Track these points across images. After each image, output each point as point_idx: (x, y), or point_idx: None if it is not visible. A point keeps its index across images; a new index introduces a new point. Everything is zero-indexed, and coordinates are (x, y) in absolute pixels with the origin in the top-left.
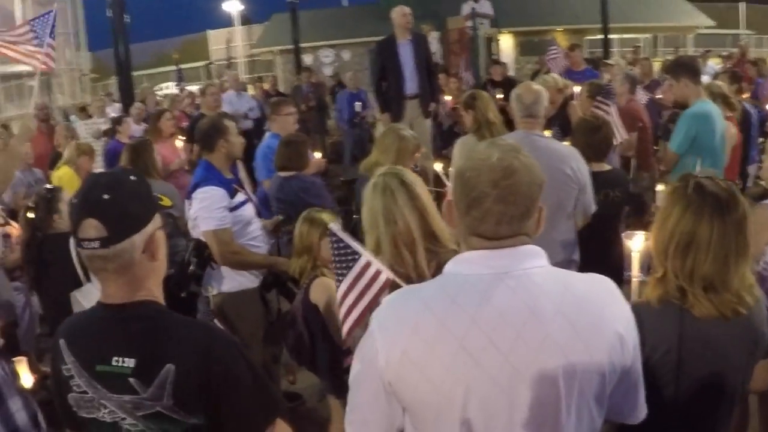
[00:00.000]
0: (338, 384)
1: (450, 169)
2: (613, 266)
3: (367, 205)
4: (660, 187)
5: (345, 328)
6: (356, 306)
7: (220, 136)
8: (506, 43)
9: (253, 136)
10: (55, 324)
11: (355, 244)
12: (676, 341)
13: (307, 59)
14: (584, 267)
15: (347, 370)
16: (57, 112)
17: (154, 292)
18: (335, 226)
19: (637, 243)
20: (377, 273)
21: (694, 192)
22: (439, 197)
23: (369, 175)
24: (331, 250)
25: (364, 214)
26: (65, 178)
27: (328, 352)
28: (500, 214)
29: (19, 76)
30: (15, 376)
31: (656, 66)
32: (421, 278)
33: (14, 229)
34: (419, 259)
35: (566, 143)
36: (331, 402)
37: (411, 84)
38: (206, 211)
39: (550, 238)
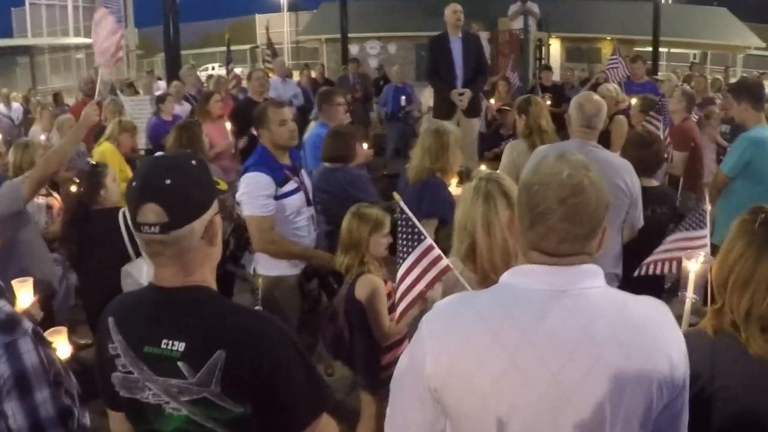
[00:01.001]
0: (374, 380)
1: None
2: (653, 282)
3: (463, 209)
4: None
5: (399, 308)
6: (414, 287)
7: (262, 125)
8: (553, 48)
9: (297, 123)
10: (100, 301)
11: (420, 225)
12: (726, 375)
13: (353, 50)
14: (625, 281)
15: (384, 367)
16: (103, 87)
17: (208, 277)
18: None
19: (694, 264)
20: (438, 257)
21: (761, 227)
22: None
23: (419, 180)
24: (398, 227)
25: (458, 216)
26: (106, 154)
27: (367, 349)
28: (564, 232)
29: (66, 48)
30: (51, 363)
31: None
32: None
33: (56, 200)
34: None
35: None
36: (363, 397)
37: (460, 82)
38: (249, 196)
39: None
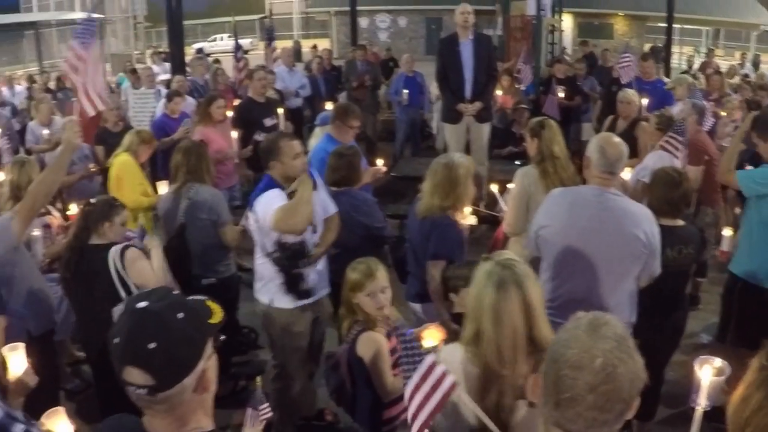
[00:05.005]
0: None
1: (508, 186)
2: (675, 325)
3: (475, 293)
4: (726, 232)
5: (414, 429)
6: (423, 409)
7: (273, 158)
8: (565, 25)
9: (302, 114)
10: (94, 331)
11: (420, 344)
12: None
13: (363, 23)
14: (646, 323)
15: (387, 422)
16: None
17: (202, 422)
18: (403, 326)
19: (706, 375)
20: (442, 376)
21: None
22: (492, 221)
23: (429, 217)
24: (401, 346)
25: (469, 298)
26: (126, 166)
27: (370, 403)
28: (592, 419)
29: (72, 22)
30: None
31: (716, 60)
32: (516, 376)
33: (54, 218)
34: (520, 360)
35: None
36: None
37: (469, 87)
38: (272, 206)
39: (612, 301)
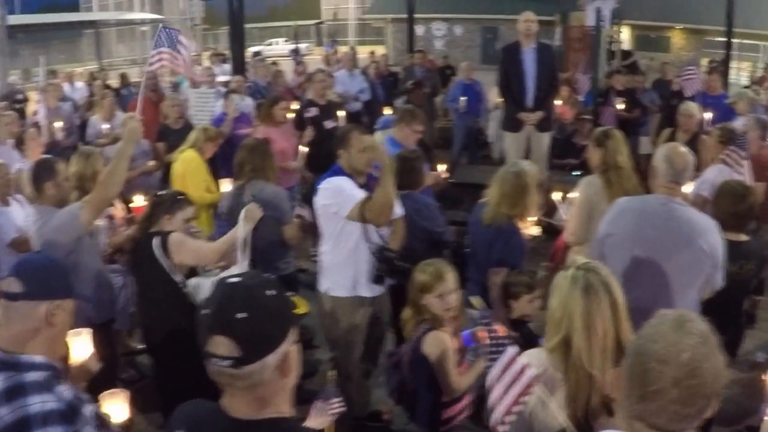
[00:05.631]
0: None
1: (569, 195)
2: (730, 341)
3: (560, 300)
4: None
5: (494, 417)
6: (503, 399)
7: (342, 147)
8: (623, 37)
9: (360, 118)
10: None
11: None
12: None
13: (419, 30)
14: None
15: (445, 422)
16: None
17: (283, 407)
18: (486, 317)
19: None
20: (523, 369)
21: None
22: (551, 230)
23: (494, 225)
24: (488, 337)
25: (553, 306)
26: (191, 163)
27: (430, 402)
28: (675, 413)
29: (132, 22)
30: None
31: None
32: (604, 382)
33: (117, 210)
34: (607, 364)
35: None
36: None
37: (531, 96)
38: (340, 195)
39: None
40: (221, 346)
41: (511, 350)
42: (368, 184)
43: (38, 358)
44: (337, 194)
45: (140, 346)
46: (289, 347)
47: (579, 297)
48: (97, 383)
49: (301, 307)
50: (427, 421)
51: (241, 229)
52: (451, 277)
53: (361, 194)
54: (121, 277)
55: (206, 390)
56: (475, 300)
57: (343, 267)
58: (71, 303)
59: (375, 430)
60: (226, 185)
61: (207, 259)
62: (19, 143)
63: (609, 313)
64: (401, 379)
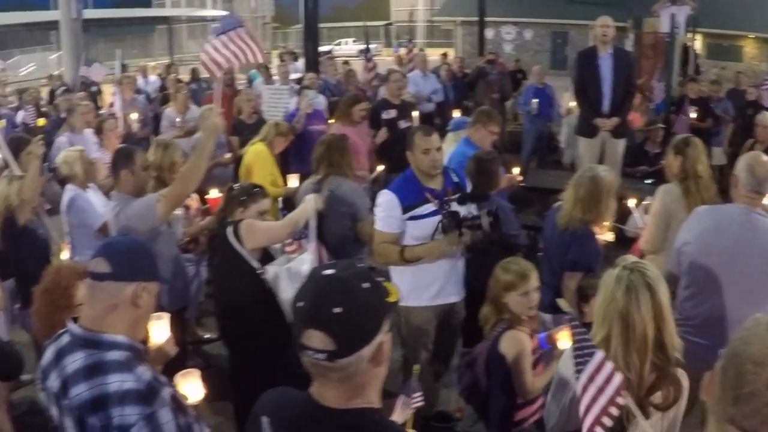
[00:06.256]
0: None
1: (643, 203)
2: None
3: (605, 297)
4: None
5: (585, 427)
6: (593, 406)
7: (408, 148)
8: (696, 45)
9: (433, 120)
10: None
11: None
12: None
13: (488, 33)
14: None
15: (517, 423)
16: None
17: (373, 397)
18: (573, 318)
19: None
20: (611, 374)
21: None
22: (625, 238)
23: (569, 229)
24: (573, 338)
25: (598, 303)
26: (259, 155)
27: (503, 403)
28: None
29: (204, 19)
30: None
31: None
32: (641, 383)
33: (192, 201)
34: (645, 366)
35: None
36: None
37: (607, 102)
38: (378, 211)
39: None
40: (316, 339)
41: (599, 354)
42: (446, 189)
43: (120, 338)
44: (378, 209)
45: (207, 336)
46: (384, 337)
47: (620, 296)
48: (166, 370)
49: (393, 294)
50: (499, 422)
51: (311, 213)
52: (534, 276)
53: (386, 225)
54: (193, 267)
55: (283, 377)
56: (562, 302)
57: (410, 276)
58: (156, 286)
59: (441, 431)
60: (294, 181)
61: (279, 237)
62: (98, 132)
63: (650, 314)
64: (474, 378)
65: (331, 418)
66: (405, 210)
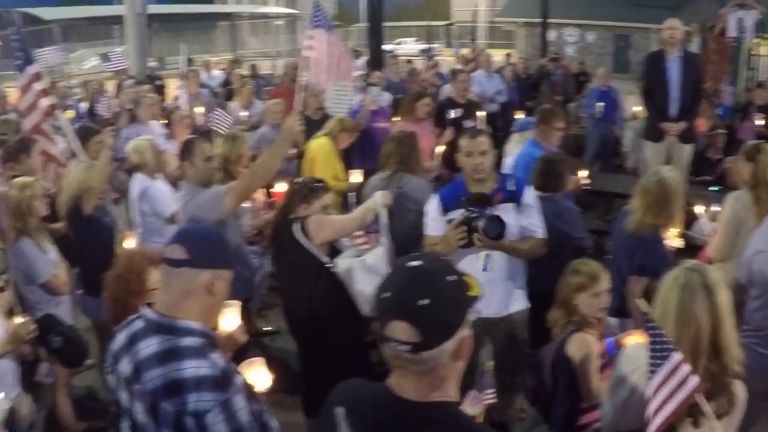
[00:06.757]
0: None
1: (710, 210)
2: None
3: (661, 297)
4: None
5: (653, 427)
6: (665, 406)
7: (456, 151)
8: (762, 50)
9: (496, 120)
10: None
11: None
12: None
13: (550, 35)
14: None
15: (581, 427)
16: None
17: (451, 391)
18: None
19: None
20: (687, 376)
21: None
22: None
23: (637, 233)
24: (648, 336)
25: (656, 300)
26: (322, 149)
27: (568, 406)
28: None
29: (266, 15)
30: (259, 417)
31: None
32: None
33: (258, 194)
34: (697, 370)
35: None
36: None
37: (675, 106)
38: (427, 214)
39: None
40: (401, 330)
41: (676, 356)
42: (495, 193)
43: (195, 324)
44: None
45: (266, 328)
46: (465, 332)
47: (676, 293)
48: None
49: (475, 288)
50: (562, 424)
51: (380, 209)
52: (605, 277)
53: (427, 227)
54: (258, 259)
55: (354, 370)
56: (641, 302)
57: None
58: (230, 274)
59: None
60: (356, 176)
61: (346, 230)
62: (168, 124)
63: (707, 314)
64: (539, 380)
65: (409, 411)
66: (444, 213)
